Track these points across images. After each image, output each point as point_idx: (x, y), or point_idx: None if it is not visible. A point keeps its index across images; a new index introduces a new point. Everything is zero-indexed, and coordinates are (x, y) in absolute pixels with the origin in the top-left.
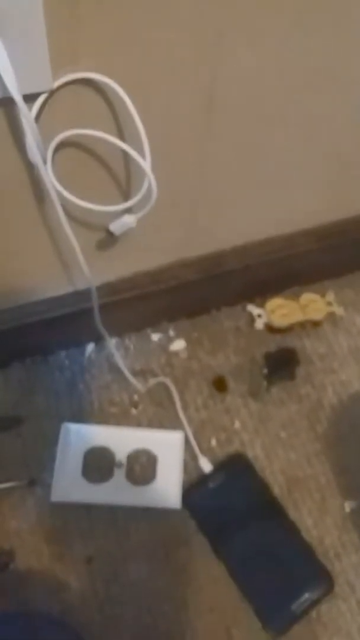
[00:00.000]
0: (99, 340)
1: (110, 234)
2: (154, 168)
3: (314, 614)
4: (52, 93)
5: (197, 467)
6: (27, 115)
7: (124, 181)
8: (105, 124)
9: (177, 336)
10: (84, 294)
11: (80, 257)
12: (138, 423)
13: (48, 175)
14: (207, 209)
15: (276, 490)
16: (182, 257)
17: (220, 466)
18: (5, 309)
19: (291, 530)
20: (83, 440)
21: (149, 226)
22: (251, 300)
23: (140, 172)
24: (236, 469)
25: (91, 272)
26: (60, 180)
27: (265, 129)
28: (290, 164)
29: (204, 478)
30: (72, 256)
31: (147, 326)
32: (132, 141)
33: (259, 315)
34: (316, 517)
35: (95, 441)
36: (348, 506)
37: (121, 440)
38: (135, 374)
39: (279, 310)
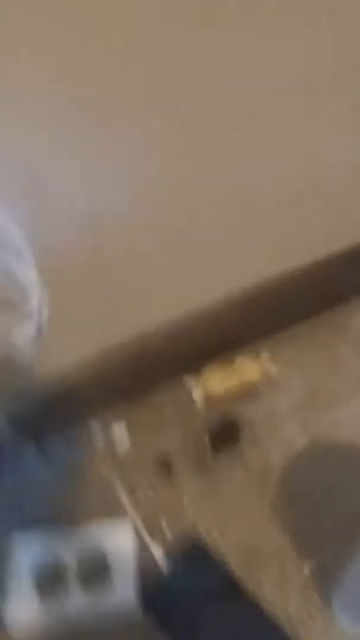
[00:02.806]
0: (36, 437)
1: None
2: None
3: None
4: None
5: (150, 556)
6: None
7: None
8: None
9: (116, 421)
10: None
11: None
12: (84, 517)
13: None
14: (131, 286)
15: (233, 565)
16: (106, 344)
17: (174, 553)
18: None
19: (254, 608)
20: (29, 554)
21: (65, 320)
22: (186, 372)
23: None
24: (190, 552)
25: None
26: None
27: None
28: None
29: (159, 570)
30: None
31: (86, 415)
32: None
33: (196, 387)
34: (277, 586)
35: (41, 552)
36: (307, 568)
37: (69, 544)
38: (76, 465)
39: (215, 378)
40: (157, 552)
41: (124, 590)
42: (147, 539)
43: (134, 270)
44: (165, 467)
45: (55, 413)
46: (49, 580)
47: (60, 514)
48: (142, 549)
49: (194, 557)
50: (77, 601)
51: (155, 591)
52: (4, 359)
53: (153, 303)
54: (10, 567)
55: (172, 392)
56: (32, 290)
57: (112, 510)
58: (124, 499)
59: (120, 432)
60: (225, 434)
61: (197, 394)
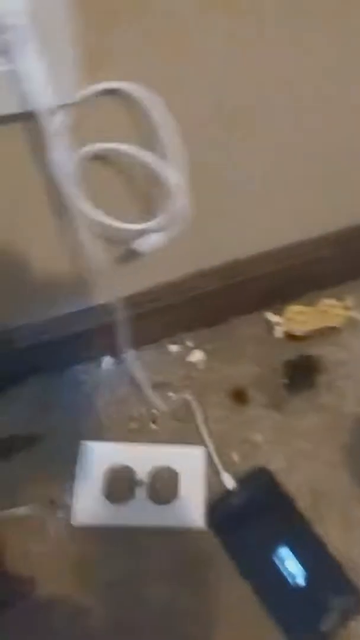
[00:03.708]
0: (115, 352)
1: (133, 250)
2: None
3: (343, 632)
4: (76, 104)
5: (220, 483)
6: (56, 128)
7: (152, 197)
8: (134, 137)
9: (195, 347)
10: (102, 309)
11: (108, 273)
12: (158, 438)
13: (74, 193)
14: (228, 217)
15: (300, 504)
16: (200, 267)
17: (244, 482)
18: (21, 325)
19: (318, 546)
20: (103, 458)
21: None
22: (269, 307)
23: (171, 188)
24: (260, 484)
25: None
26: (84, 194)
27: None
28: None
29: (227, 495)
30: (94, 272)
31: (164, 337)
32: (162, 154)
33: (277, 323)
34: (342, 531)
35: (115, 459)
36: None
37: (141, 457)
38: (153, 387)
39: (297, 317)
40: (228, 480)
41: (191, 508)
42: (218, 466)
43: (235, 195)
44: (240, 399)
45: (135, 328)
46: (119, 487)
47: (133, 430)
48: (213, 475)
49: (263, 489)
50: (144, 510)
51: (221, 514)
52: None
53: (248, 232)
54: (80, 468)
55: (253, 325)
56: (177, 192)
57: (186, 434)
58: (199, 426)
59: (197, 358)
60: (302, 374)
61: (278, 330)
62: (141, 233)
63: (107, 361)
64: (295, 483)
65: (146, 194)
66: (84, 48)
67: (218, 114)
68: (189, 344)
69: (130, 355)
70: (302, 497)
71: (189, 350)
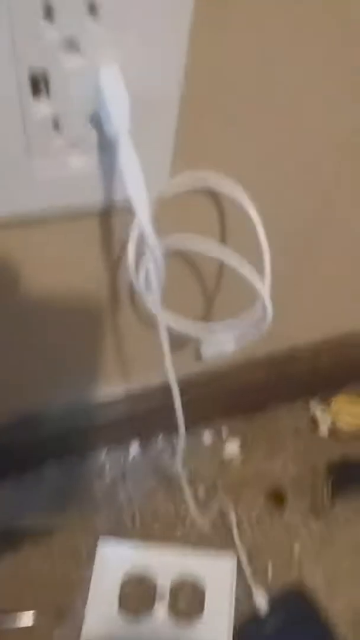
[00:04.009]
0: (143, 440)
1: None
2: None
3: None
4: (160, 198)
5: (250, 601)
6: (138, 222)
7: (227, 301)
8: (215, 236)
9: (231, 436)
10: (134, 397)
11: (169, 370)
12: (184, 540)
13: (149, 295)
14: (292, 307)
15: (341, 630)
16: (248, 355)
17: (277, 603)
18: (44, 413)
19: None
20: (121, 562)
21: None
22: (314, 395)
23: (251, 293)
24: (295, 606)
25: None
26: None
27: None
28: None
29: (258, 619)
30: (141, 363)
31: (198, 426)
32: (245, 257)
33: (322, 417)
34: None
35: (134, 564)
36: None
37: (165, 564)
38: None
39: (345, 411)
40: (260, 599)
41: (216, 631)
42: (250, 579)
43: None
44: (277, 501)
45: (166, 417)
46: (137, 599)
47: (158, 529)
48: (242, 588)
49: (300, 614)
50: (163, 630)
51: (251, 638)
52: None
53: (306, 320)
54: (95, 572)
55: (295, 415)
56: (260, 300)
57: (215, 537)
58: (232, 530)
59: (232, 450)
60: (347, 478)
61: (323, 424)
62: (210, 338)
63: (134, 449)
64: (336, 606)
65: (221, 298)
66: (179, 140)
67: (311, 226)
68: (224, 433)
69: (160, 444)
70: (344, 623)
71: (223, 439)
